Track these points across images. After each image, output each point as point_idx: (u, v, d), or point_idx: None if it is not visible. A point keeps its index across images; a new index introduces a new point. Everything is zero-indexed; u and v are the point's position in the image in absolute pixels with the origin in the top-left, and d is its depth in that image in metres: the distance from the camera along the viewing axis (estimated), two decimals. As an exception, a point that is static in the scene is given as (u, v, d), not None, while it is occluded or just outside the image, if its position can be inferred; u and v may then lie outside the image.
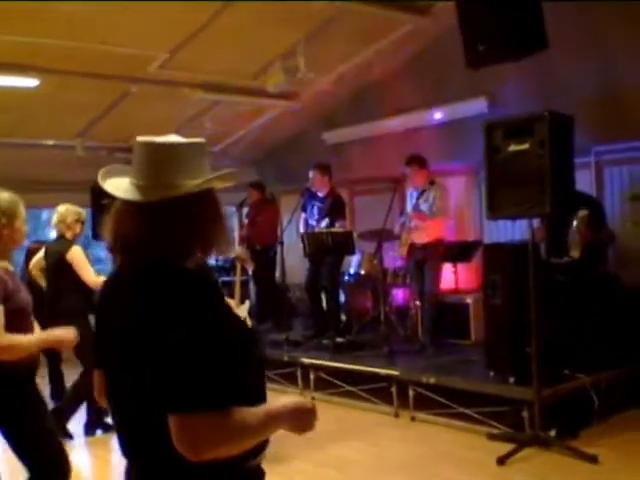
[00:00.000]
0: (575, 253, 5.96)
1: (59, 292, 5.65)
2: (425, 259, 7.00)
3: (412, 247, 7.08)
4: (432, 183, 7.03)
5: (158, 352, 1.53)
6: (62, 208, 5.84)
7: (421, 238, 7.01)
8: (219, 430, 1.50)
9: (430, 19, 7.11)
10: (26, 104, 7.46)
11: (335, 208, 7.63)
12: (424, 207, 6.98)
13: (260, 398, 1.70)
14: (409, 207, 7.15)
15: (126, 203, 1.68)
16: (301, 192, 7.93)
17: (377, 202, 7.92)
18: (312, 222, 7.76)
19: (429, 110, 8.28)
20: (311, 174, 7.72)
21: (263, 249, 8.73)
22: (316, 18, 6.85)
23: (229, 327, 1.62)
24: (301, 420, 1.70)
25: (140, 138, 1.69)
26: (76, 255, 5.62)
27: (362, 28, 7.06)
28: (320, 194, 7.74)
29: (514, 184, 4.89)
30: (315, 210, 7.75)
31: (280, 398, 1.69)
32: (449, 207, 7.18)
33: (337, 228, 7.42)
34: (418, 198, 7.03)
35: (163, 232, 1.65)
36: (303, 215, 7.98)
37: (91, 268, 5.62)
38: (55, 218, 5.83)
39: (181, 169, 1.66)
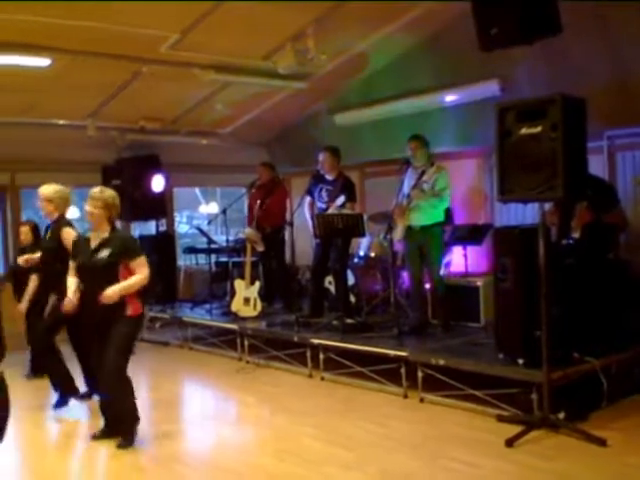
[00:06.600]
0: (575, 234, 5.97)
1: None
2: (425, 243, 6.93)
3: (410, 230, 6.95)
4: (432, 164, 6.94)
5: None
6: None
7: (419, 220, 6.90)
8: None
9: (443, 2, 7.05)
10: (38, 84, 7.47)
11: (348, 188, 7.65)
12: (426, 187, 6.84)
13: None
14: (406, 188, 6.94)
15: None
16: (312, 174, 7.94)
17: (388, 184, 7.90)
18: (321, 205, 7.74)
19: (441, 92, 8.23)
20: (322, 156, 7.73)
21: (273, 231, 8.74)
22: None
23: None
24: None
25: None
26: None
27: (374, 10, 7.00)
28: (329, 177, 7.74)
29: (526, 167, 4.86)
30: (324, 193, 7.74)
31: None
32: (450, 191, 7.00)
33: (348, 210, 7.42)
34: (419, 178, 6.87)
35: None
36: (308, 199, 7.97)
37: None
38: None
39: None
